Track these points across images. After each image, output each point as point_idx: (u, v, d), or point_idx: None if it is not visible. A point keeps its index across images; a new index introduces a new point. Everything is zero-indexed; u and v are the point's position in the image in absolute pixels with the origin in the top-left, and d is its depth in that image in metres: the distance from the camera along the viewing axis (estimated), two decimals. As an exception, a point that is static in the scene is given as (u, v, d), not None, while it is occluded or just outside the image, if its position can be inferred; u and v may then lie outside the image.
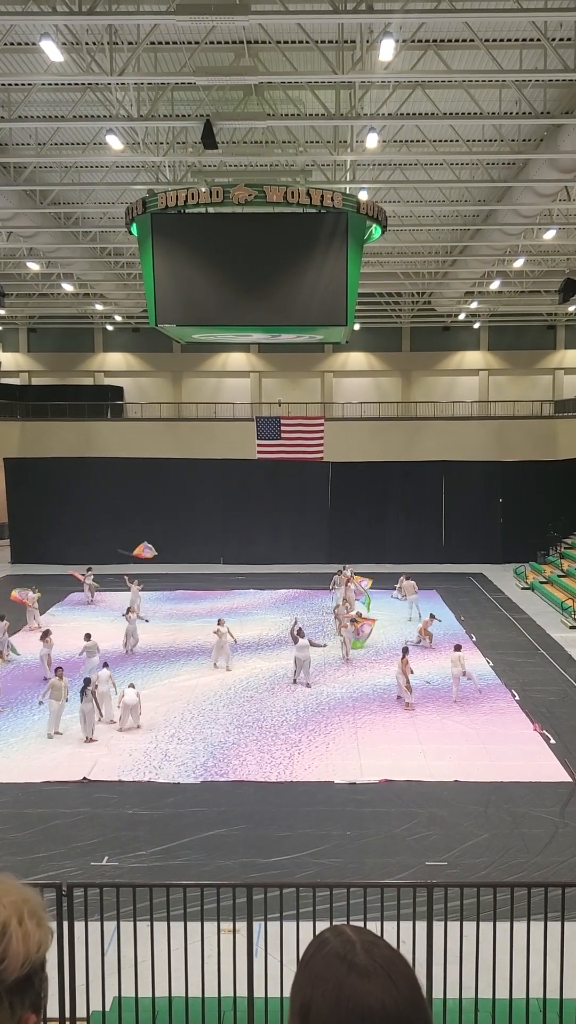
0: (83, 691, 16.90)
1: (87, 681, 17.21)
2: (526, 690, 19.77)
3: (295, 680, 20.36)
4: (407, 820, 13.40)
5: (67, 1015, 6.35)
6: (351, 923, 1.38)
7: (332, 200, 19.27)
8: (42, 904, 1.37)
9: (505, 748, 16.33)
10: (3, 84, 18.39)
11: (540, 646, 24.00)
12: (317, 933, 1.36)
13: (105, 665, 18.90)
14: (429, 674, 20.63)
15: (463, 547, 36.81)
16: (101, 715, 17.53)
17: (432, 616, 24.47)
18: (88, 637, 20.95)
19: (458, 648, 19.49)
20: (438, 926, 6.52)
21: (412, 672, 18.99)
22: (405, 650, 19.46)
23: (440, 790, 14.49)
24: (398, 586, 28.49)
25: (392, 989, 1.22)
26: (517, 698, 19.20)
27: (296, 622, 21.91)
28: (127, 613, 23.91)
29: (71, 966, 6.36)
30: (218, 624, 22.17)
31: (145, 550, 29.81)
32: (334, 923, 1.40)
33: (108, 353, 50.68)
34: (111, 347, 50.60)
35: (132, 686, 17.82)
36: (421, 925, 6.40)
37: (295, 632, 20.82)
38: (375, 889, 7.00)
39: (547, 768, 15.41)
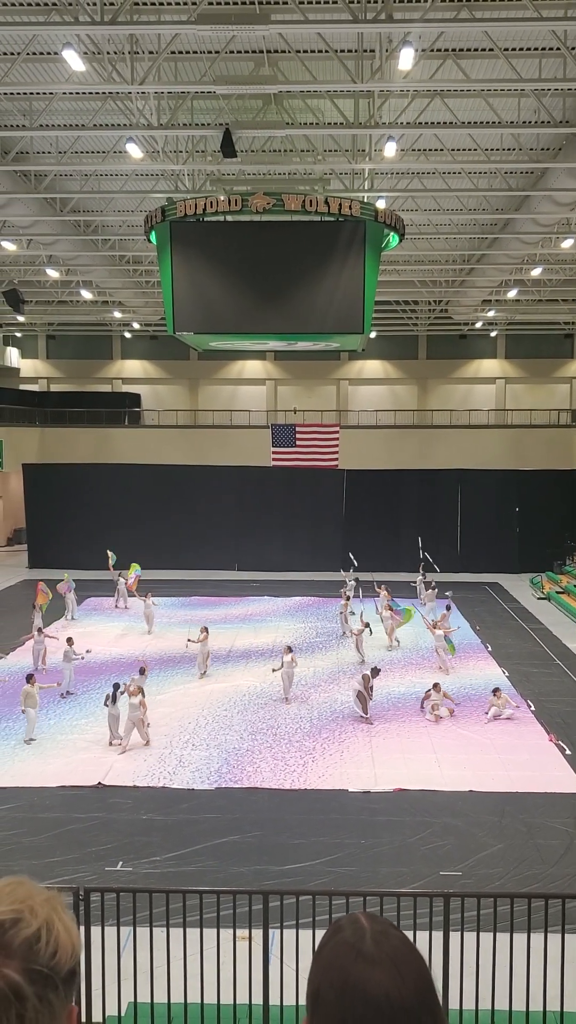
0: (113, 696, 16.90)
1: (116, 686, 17.23)
2: (542, 700, 19.66)
3: (368, 721, 18.32)
4: (421, 830, 13.34)
5: (82, 1019, 6.36)
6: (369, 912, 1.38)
7: (350, 208, 19.30)
8: (64, 902, 1.40)
9: (520, 758, 16.25)
10: (25, 93, 18.55)
11: (556, 656, 23.88)
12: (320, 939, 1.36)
13: (142, 671, 18.83)
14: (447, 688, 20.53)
15: (478, 556, 36.71)
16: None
17: (448, 608, 24.67)
18: (70, 642, 20.69)
19: (497, 692, 18.82)
20: (454, 936, 6.49)
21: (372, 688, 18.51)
22: (375, 671, 18.96)
23: (454, 800, 14.43)
24: (422, 589, 28.67)
25: (398, 980, 1.22)
26: (533, 708, 19.09)
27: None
28: (202, 634, 22.03)
29: (87, 970, 6.37)
30: (287, 651, 19.88)
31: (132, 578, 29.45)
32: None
33: (126, 360, 50.93)
34: (129, 354, 50.86)
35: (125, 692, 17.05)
36: (437, 935, 6.36)
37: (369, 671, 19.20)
38: (391, 898, 6.98)
39: (562, 779, 15.32)
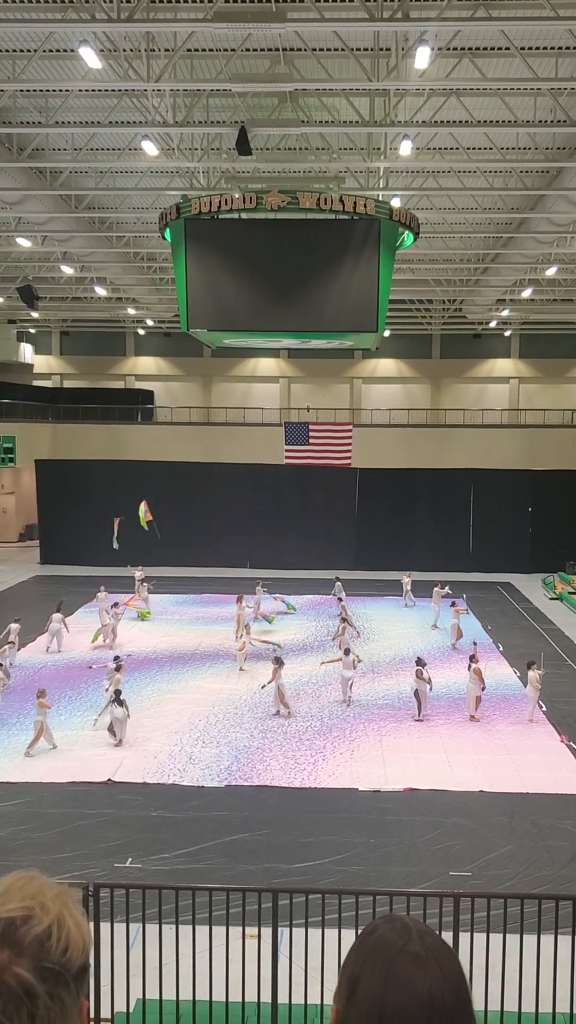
0: (117, 699, 16.94)
1: (118, 692, 17.27)
2: (553, 701, 19.58)
3: (421, 718, 18.37)
4: (431, 829, 13.33)
5: (91, 1015, 6.38)
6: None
7: (365, 207, 19.25)
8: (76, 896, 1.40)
9: (531, 759, 16.20)
10: (41, 90, 18.60)
11: (568, 657, 23.79)
12: (358, 934, 1.37)
13: (118, 668, 18.75)
14: (448, 681, 20.48)
15: (491, 556, 36.60)
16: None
17: (454, 603, 24.78)
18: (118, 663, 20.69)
19: (531, 665, 18.72)
20: (463, 937, 6.47)
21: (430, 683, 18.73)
22: (421, 661, 19.13)
23: (465, 800, 14.41)
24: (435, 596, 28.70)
25: (440, 978, 1.26)
26: (544, 709, 19.03)
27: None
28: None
29: (96, 966, 6.39)
30: (342, 651, 19.86)
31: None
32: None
33: (139, 357, 51.03)
34: (142, 351, 50.96)
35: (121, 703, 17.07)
36: (446, 935, 6.35)
37: (416, 661, 19.20)
38: (401, 897, 6.98)
39: (574, 780, 15.26)
